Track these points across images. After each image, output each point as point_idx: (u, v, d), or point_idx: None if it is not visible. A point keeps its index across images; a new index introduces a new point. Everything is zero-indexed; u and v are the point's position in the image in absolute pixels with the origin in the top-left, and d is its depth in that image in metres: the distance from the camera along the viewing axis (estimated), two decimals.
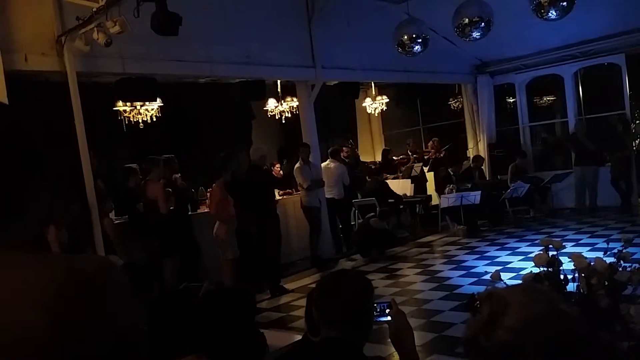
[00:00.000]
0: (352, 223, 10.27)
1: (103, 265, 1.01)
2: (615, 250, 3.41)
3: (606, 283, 3.15)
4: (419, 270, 7.83)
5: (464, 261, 8.03)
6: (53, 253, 1.03)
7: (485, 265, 7.54)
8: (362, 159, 12.63)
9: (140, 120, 8.65)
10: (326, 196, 9.25)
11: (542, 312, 1.25)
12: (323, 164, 9.44)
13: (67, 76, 6.19)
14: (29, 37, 6.05)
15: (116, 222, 7.20)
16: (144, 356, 1.04)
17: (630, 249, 3.56)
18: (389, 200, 10.23)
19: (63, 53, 6.17)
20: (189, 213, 7.80)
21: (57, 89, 6.38)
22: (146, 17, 5.28)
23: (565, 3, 5.55)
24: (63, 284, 0.92)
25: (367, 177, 10.92)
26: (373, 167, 11.95)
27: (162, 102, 8.69)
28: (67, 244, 5.78)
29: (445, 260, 8.34)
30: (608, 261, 3.30)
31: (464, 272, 7.39)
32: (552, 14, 5.65)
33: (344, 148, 11.52)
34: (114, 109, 8.54)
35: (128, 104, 8.52)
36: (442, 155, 12.02)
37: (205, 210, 7.82)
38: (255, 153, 7.63)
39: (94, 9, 5.55)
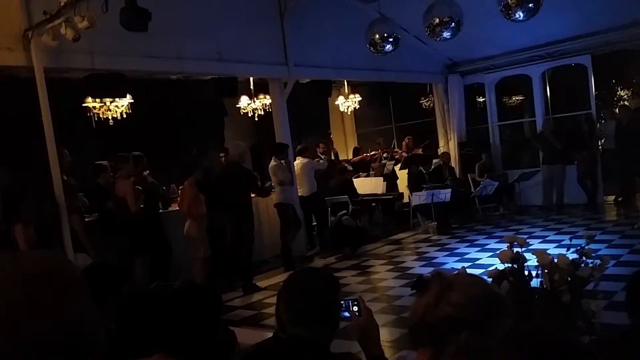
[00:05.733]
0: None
1: (55, 264, 0.99)
2: (579, 247, 3.51)
3: (569, 279, 3.24)
4: (391, 267, 7.91)
5: (435, 258, 8.14)
6: (4, 251, 1.00)
7: (455, 261, 7.66)
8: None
9: (110, 117, 8.54)
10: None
11: (482, 292, 1.39)
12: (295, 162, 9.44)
13: (34, 72, 6.08)
14: None
15: (86, 219, 7.09)
16: (101, 357, 1.03)
17: (595, 245, 3.67)
18: (354, 199, 10.26)
19: (30, 48, 6.06)
20: (160, 211, 7.73)
21: (24, 85, 6.26)
22: (115, 12, 5.22)
23: (531, 4, 5.64)
24: (8, 285, 0.90)
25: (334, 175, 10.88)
26: (346, 165, 11.97)
27: (133, 99, 8.60)
28: (35, 242, 5.69)
29: (417, 257, 8.44)
30: (571, 257, 3.39)
31: (434, 268, 7.49)
32: (519, 15, 5.74)
33: (320, 144, 11.54)
34: (83, 105, 8.41)
35: (97, 100, 8.40)
36: (420, 152, 12.13)
37: (177, 208, 7.75)
38: (235, 149, 7.57)
39: (62, 4, 5.45)
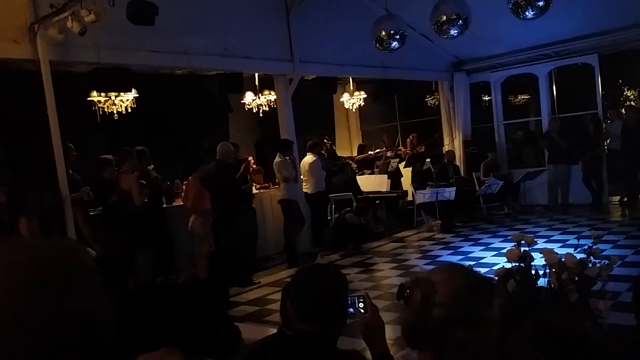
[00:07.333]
0: (329, 218, 10.26)
1: (71, 250, 0.98)
2: (586, 247, 3.49)
3: (576, 278, 3.22)
4: (394, 264, 7.90)
5: (439, 256, 8.12)
6: (19, 238, 1.00)
7: (459, 260, 7.62)
8: (340, 154, 12.63)
9: (114, 111, 8.53)
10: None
11: (463, 283, 1.38)
12: (304, 159, 9.41)
13: (40, 65, 6.06)
14: (0, 25, 5.90)
15: (90, 213, 7.08)
16: (109, 345, 1.02)
17: (600, 246, 3.64)
18: (358, 196, 10.25)
19: (36, 41, 6.03)
20: (164, 206, 7.72)
21: (30, 78, 6.25)
22: (122, 6, 5.21)
23: (542, 3, 5.60)
24: (28, 267, 0.90)
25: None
26: (350, 162, 11.94)
27: (138, 93, 8.58)
28: (39, 235, 5.68)
29: (420, 255, 8.42)
30: (578, 257, 3.37)
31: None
32: (529, 13, 5.70)
33: (324, 141, 11.53)
34: (88, 99, 8.40)
35: (102, 94, 8.39)
36: (422, 150, 12.10)
37: (181, 204, 7.74)
38: (222, 148, 7.59)
39: None
